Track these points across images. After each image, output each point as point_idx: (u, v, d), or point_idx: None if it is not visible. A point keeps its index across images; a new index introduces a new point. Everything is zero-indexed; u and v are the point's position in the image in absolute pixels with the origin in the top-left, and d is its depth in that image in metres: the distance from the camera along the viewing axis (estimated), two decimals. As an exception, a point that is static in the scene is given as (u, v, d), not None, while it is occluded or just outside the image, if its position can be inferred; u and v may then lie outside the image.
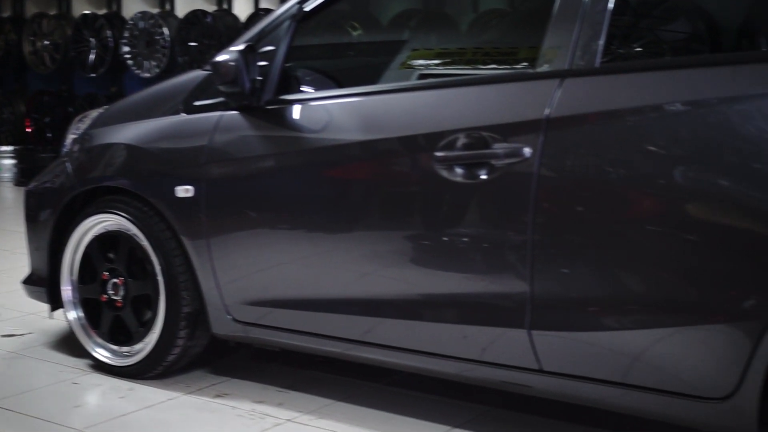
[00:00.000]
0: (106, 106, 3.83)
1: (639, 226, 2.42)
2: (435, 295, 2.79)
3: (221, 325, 3.27)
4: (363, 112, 2.97)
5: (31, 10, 9.92)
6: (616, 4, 2.58)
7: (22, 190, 4.88)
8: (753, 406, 2.31)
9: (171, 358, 3.37)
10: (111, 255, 3.49)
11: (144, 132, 3.40)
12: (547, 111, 2.54)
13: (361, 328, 2.95)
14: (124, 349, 3.48)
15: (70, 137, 3.75)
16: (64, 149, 3.75)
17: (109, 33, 8.93)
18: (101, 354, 3.53)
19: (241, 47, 3.06)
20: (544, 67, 2.62)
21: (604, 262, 2.48)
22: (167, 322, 3.31)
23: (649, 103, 2.42)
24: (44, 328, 4.09)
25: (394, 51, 3.75)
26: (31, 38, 9.53)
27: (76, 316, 3.59)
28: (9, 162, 9.79)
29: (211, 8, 8.64)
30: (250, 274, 3.14)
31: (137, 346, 3.43)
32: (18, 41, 9.63)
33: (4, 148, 9.82)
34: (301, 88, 3.21)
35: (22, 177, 9.20)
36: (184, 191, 3.21)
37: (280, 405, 3.22)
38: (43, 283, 3.68)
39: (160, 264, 3.30)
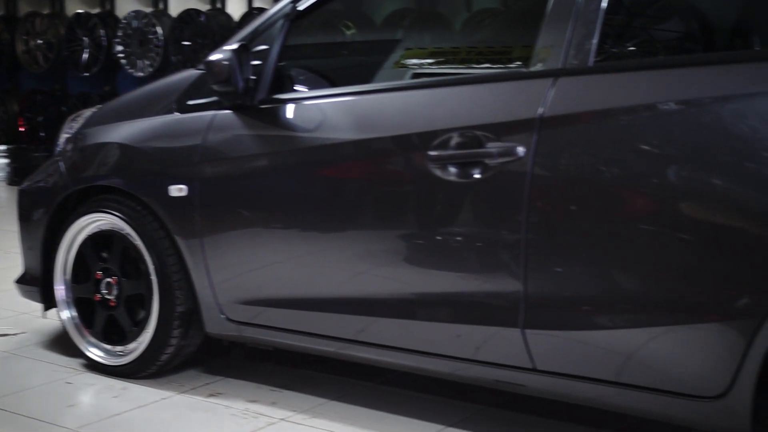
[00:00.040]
0: (99, 106, 3.82)
1: (632, 225, 2.42)
2: (429, 294, 2.79)
3: (215, 324, 3.27)
4: (356, 111, 2.96)
5: (24, 9, 9.88)
6: (609, 3, 2.58)
7: (15, 189, 4.86)
8: (746, 404, 2.32)
9: (164, 357, 3.37)
10: (104, 254, 3.49)
11: (137, 131, 3.39)
12: (540, 110, 2.55)
13: (354, 327, 2.95)
14: (118, 348, 3.48)
15: (64, 136, 3.74)
16: (58, 148, 3.74)
17: (102, 32, 8.90)
18: (95, 353, 3.53)
19: (235, 46, 3.06)
20: (538, 66, 2.62)
21: (598, 261, 2.48)
22: (161, 322, 3.31)
23: (643, 102, 2.42)
24: (38, 328, 4.08)
25: (387, 50, 3.75)
26: (24, 37, 9.50)
27: (69, 315, 3.59)
28: (2, 161, 9.75)
29: (204, 7, 8.62)
30: (243, 273, 3.14)
31: (131, 346, 3.43)
32: (11, 40, 9.60)
33: (-2, 147, 9.81)
34: (294, 88, 3.22)
35: (15, 176, 9.17)
36: (177, 190, 3.21)
37: (273, 404, 3.21)
38: (36, 283, 3.68)
39: (154, 263, 3.29)
